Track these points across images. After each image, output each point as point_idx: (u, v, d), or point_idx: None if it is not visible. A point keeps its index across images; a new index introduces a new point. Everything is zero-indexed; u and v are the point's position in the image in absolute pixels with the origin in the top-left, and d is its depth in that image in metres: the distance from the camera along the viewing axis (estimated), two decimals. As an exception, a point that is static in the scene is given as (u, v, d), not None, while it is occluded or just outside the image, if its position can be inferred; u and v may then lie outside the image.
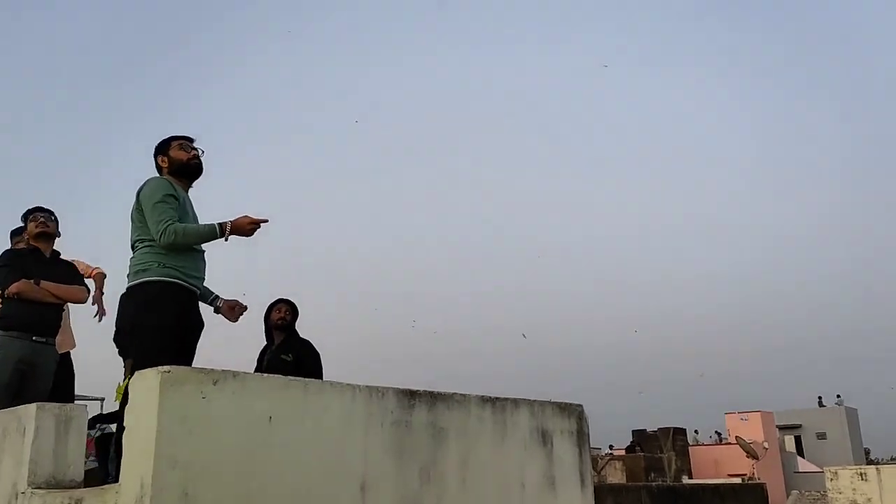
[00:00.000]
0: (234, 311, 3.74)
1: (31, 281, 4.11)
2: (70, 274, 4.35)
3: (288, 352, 5.03)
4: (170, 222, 3.29)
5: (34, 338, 4.06)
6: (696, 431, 28.68)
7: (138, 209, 3.40)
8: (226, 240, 3.39)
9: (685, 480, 19.77)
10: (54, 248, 4.45)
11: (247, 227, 3.39)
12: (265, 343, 5.22)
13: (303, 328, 5.28)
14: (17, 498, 2.57)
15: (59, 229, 4.49)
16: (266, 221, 3.42)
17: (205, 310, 3.65)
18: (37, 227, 4.32)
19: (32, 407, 2.65)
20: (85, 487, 2.52)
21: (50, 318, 4.15)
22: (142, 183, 3.47)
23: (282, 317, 5.11)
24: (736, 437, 23.19)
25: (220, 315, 3.72)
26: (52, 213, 4.43)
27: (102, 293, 5.04)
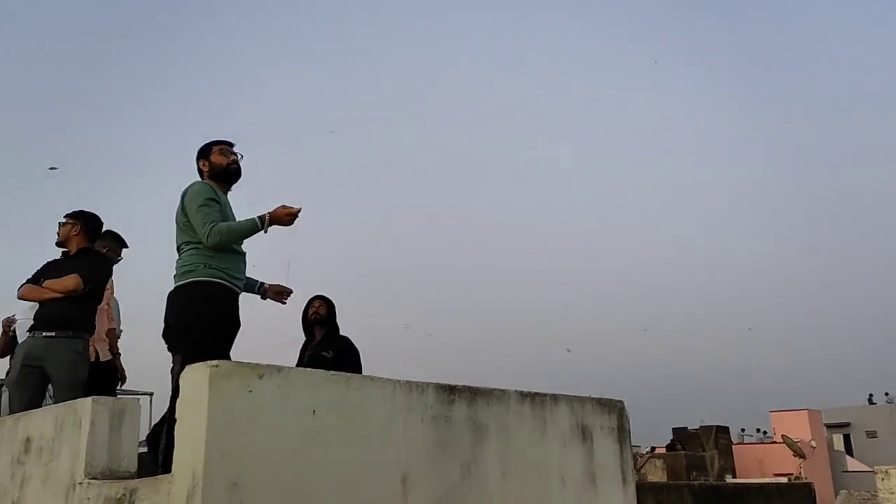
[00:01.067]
0: (281, 294, 3.95)
1: (38, 284, 4.26)
2: (71, 265, 4.36)
3: (328, 348, 5.11)
4: (214, 224, 3.41)
5: (44, 334, 4.18)
6: (742, 430, 28.11)
7: (183, 212, 3.53)
8: (265, 231, 3.49)
9: (728, 479, 19.40)
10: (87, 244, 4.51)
11: (285, 218, 3.50)
12: (305, 339, 5.31)
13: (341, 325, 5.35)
14: (74, 488, 2.67)
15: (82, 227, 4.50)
16: (301, 210, 3.52)
17: (250, 301, 3.77)
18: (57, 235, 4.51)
19: (88, 400, 2.75)
20: (138, 478, 2.61)
21: (55, 314, 4.20)
22: (185, 187, 3.60)
23: (315, 311, 5.20)
24: (782, 435, 22.62)
25: (268, 300, 3.90)
26: (72, 216, 4.51)
27: (119, 353, 5.12)
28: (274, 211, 3.50)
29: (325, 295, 5.31)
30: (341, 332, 5.28)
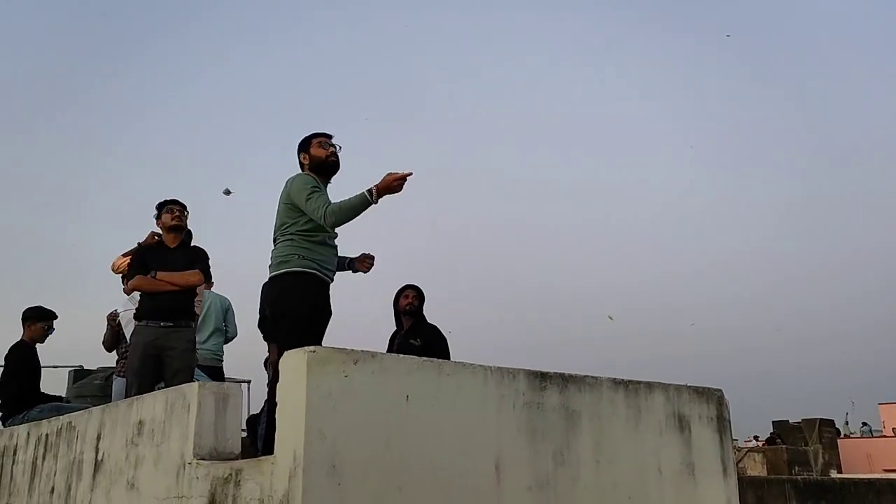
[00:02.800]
0: (365, 262, 4.06)
1: (149, 274, 4.45)
2: (188, 260, 4.57)
3: (416, 336, 5.16)
4: (326, 206, 3.51)
5: (162, 324, 4.39)
6: (846, 423, 26.47)
7: (286, 204, 3.65)
8: (376, 202, 3.47)
9: (833, 475, 18.35)
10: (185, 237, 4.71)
11: (394, 184, 3.43)
12: (395, 328, 5.39)
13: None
14: (184, 468, 2.82)
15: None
16: (411, 174, 3.44)
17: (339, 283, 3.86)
18: (172, 219, 4.63)
19: (195, 385, 2.90)
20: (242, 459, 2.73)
21: (174, 305, 4.42)
22: (288, 180, 3.72)
23: (409, 302, 5.25)
24: (893, 428, 21.19)
25: (357, 273, 4.04)
26: (185, 206, 4.72)
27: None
28: (382, 181, 3.44)
29: (416, 284, 5.36)
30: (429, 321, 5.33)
